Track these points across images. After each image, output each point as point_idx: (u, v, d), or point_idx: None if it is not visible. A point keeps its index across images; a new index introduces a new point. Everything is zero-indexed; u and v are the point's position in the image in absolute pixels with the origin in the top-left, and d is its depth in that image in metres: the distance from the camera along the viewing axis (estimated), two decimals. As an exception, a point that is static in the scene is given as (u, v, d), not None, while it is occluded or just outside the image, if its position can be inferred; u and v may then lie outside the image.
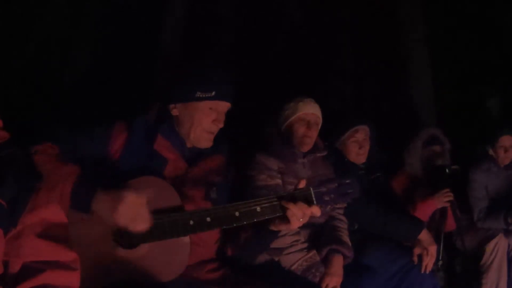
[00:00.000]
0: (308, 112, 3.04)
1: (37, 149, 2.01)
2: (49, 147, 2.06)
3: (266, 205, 2.01)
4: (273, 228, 2.11)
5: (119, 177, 2.06)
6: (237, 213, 2.00)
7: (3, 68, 3.42)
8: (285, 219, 2.02)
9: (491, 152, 4.32)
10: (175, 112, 2.31)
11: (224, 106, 2.32)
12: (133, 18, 4.02)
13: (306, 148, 3.04)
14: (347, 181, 2.10)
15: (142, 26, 4.05)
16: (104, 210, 1.86)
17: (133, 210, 1.87)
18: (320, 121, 3.11)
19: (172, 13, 4.32)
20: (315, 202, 2.03)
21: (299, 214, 1.98)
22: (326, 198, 2.06)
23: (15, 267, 1.51)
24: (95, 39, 3.95)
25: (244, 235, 2.25)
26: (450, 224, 3.83)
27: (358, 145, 3.47)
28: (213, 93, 2.25)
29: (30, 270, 1.51)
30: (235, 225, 2.01)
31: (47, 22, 3.75)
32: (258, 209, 2.00)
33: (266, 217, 2.01)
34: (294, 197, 2.02)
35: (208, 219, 1.99)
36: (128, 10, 4.01)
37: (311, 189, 2.04)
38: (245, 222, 2.00)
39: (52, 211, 1.61)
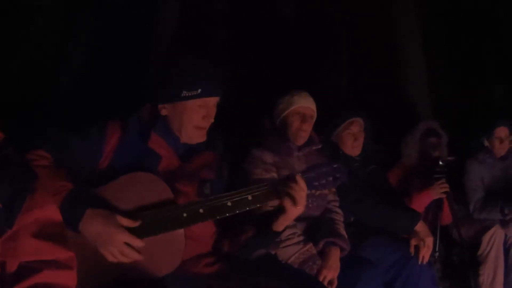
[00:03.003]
0: (303, 105, 3.04)
1: (28, 158, 2.03)
2: (40, 157, 2.08)
3: (257, 193, 2.04)
4: (275, 226, 2.17)
5: (113, 175, 2.08)
6: (229, 203, 2.02)
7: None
8: (282, 208, 2.07)
9: (486, 143, 4.33)
10: (164, 112, 2.30)
11: (212, 101, 2.31)
12: (128, 17, 4.02)
13: (301, 142, 3.05)
14: (335, 165, 2.15)
15: (137, 24, 4.05)
16: (91, 237, 1.93)
17: (119, 248, 1.94)
18: (315, 114, 3.11)
19: (166, 11, 4.32)
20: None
21: (296, 195, 2.02)
22: (315, 183, 2.11)
23: (11, 268, 1.51)
24: (89, 38, 3.94)
25: (244, 236, 2.27)
26: (447, 216, 3.85)
27: (353, 137, 3.47)
28: (199, 90, 2.23)
29: (27, 269, 1.51)
30: (227, 214, 2.03)
31: (41, 23, 3.74)
32: (250, 197, 2.03)
33: (258, 205, 2.05)
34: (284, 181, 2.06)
35: (201, 210, 2.02)
36: (122, 10, 4.00)
37: (300, 175, 2.07)
38: (237, 211, 2.03)
39: (48, 211, 1.61)
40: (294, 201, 2.03)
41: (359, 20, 4.98)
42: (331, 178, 2.14)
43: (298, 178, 2.03)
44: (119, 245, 1.93)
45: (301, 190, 2.03)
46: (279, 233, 2.23)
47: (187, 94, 2.23)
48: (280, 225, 2.17)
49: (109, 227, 1.93)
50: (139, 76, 3.62)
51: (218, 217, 2.08)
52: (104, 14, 3.91)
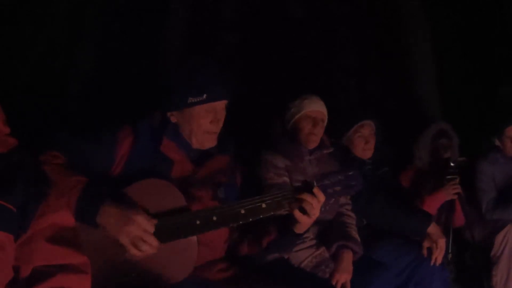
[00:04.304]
0: (314, 109, 3.04)
1: (41, 159, 2.04)
2: (54, 157, 2.08)
3: (270, 201, 2.03)
4: (296, 229, 2.17)
5: (126, 180, 2.08)
6: (242, 211, 2.01)
7: (8, 73, 3.44)
8: (294, 218, 2.06)
9: (497, 143, 4.30)
10: (173, 119, 2.31)
11: (220, 104, 2.30)
12: (137, 21, 4.02)
13: (312, 146, 3.04)
14: (350, 173, 2.12)
15: (146, 29, 4.05)
16: (110, 225, 1.90)
17: (138, 233, 1.90)
18: (326, 118, 3.11)
19: (175, 16, 4.33)
20: None
21: (307, 206, 2.01)
22: (330, 191, 2.08)
23: (25, 272, 1.52)
24: (99, 43, 3.95)
25: (267, 239, 2.28)
26: (459, 218, 3.82)
27: (364, 140, 3.47)
28: (205, 96, 2.23)
29: (41, 274, 1.51)
30: (241, 222, 2.03)
31: (51, 27, 3.75)
32: (263, 205, 2.02)
33: (272, 213, 2.04)
34: (298, 191, 2.04)
35: (214, 218, 2.01)
36: (131, 13, 4.01)
37: (315, 182, 2.05)
38: (251, 219, 2.03)
39: (62, 216, 1.62)
40: (307, 213, 2.03)
41: (369, 21, 4.96)
42: (345, 186, 2.12)
43: (316, 191, 2.02)
44: (138, 227, 1.90)
45: (317, 202, 2.02)
46: (300, 235, 2.23)
47: (193, 100, 2.23)
48: (300, 228, 2.17)
49: (129, 211, 1.91)
50: (148, 81, 3.62)
51: (231, 225, 2.10)
52: (113, 19, 3.92)
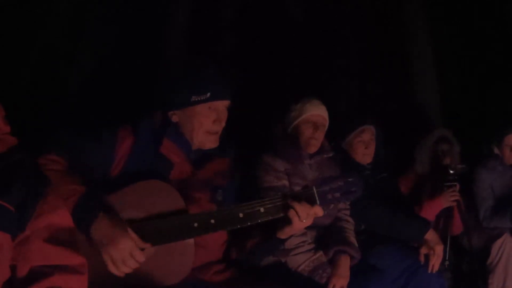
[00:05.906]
0: (315, 113, 3.04)
1: (41, 163, 2.02)
2: (53, 162, 2.06)
3: (269, 205, 2.02)
4: (280, 234, 2.14)
5: (125, 181, 2.07)
6: (241, 215, 2.01)
7: (8, 73, 3.44)
8: (288, 221, 2.04)
9: (496, 151, 4.31)
10: (175, 118, 2.30)
11: (222, 104, 2.30)
12: (138, 22, 4.02)
13: (312, 150, 3.04)
14: (350, 179, 2.10)
15: (147, 29, 4.05)
16: (97, 240, 1.88)
17: (121, 256, 1.88)
18: (327, 122, 3.11)
19: (176, 16, 4.33)
20: (318, 201, 2.03)
21: (302, 214, 1.99)
22: (329, 197, 2.07)
23: (22, 272, 1.52)
24: (99, 43, 3.95)
25: (250, 242, 2.27)
26: (457, 225, 3.83)
27: (364, 145, 3.47)
28: (208, 94, 2.23)
29: (38, 274, 1.51)
30: (239, 226, 2.02)
31: (51, 27, 3.76)
32: (262, 210, 2.01)
33: (270, 218, 2.02)
34: (297, 197, 2.03)
35: (212, 221, 2.00)
36: (132, 14, 4.01)
37: (314, 188, 2.04)
38: (249, 223, 2.02)
39: (60, 216, 1.62)
40: (302, 219, 2.02)
41: (370, 25, 4.97)
42: (345, 192, 2.11)
43: (318, 209, 2.01)
44: (123, 250, 1.88)
45: (313, 213, 2.01)
46: (283, 241, 2.21)
47: (196, 99, 2.23)
48: (285, 233, 2.15)
49: (118, 230, 1.89)
50: (148, 81, 3.62)
51: (229, 228, 2.08)
52: (114, 19, 3.92)
